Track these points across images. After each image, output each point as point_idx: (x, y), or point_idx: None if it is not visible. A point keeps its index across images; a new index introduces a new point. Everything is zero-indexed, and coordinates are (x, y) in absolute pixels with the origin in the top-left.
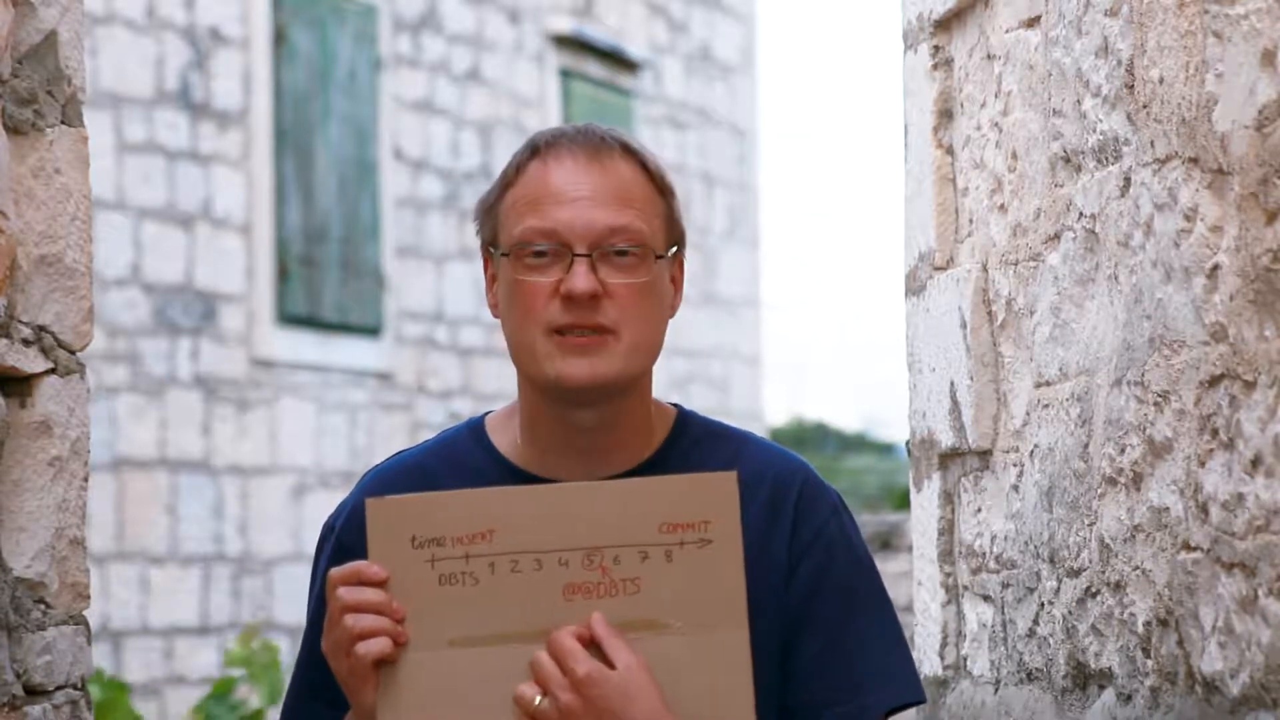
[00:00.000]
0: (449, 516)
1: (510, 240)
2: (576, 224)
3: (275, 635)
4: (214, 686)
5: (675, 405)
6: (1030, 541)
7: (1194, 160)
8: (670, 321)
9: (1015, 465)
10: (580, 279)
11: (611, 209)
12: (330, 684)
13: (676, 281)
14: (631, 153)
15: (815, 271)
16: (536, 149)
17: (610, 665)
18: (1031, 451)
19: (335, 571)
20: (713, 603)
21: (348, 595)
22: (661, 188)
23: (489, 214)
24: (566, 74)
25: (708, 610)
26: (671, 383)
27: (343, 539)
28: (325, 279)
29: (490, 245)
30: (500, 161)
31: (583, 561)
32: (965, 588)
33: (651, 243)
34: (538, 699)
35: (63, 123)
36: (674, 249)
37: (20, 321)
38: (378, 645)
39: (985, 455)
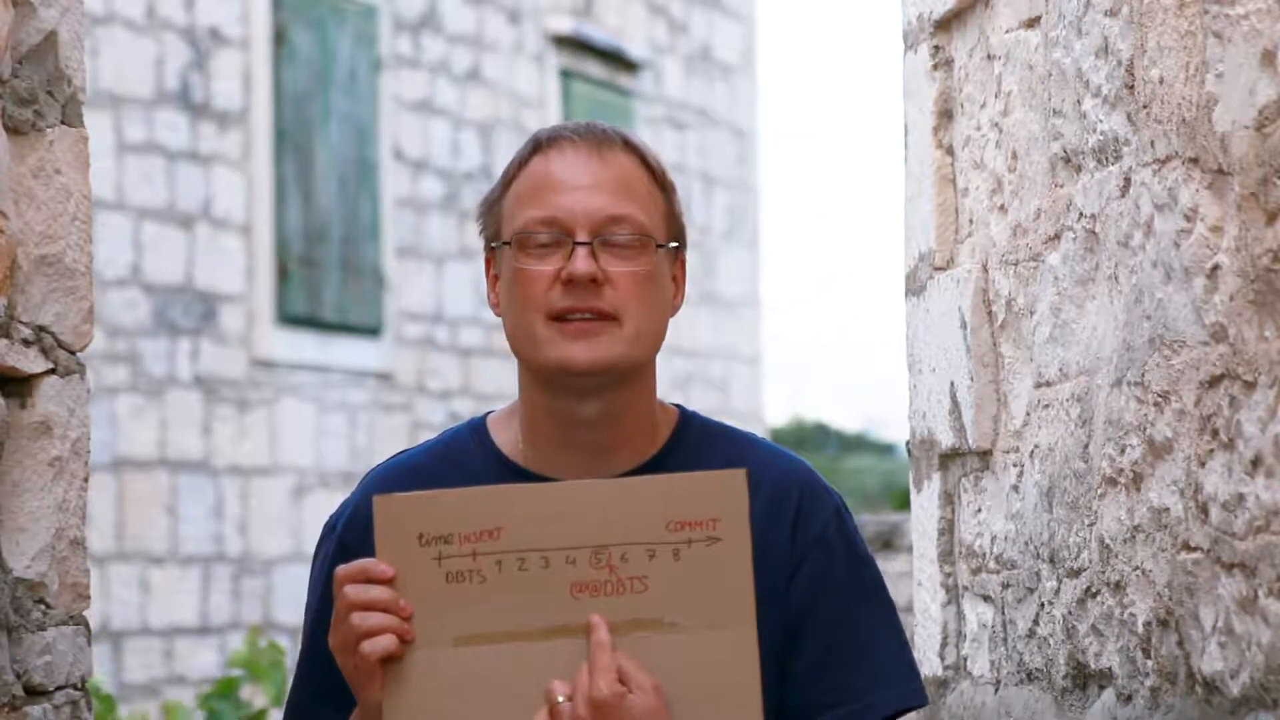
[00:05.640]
0: (456, 514)
1: (512, 230)
2: (577, 210)
3: (275, 635)
4: (217, 684)
5: (678, 406)
6: (1030, 542)
7: (1194, 160)
8: (670, 321)
9: (1015, 465)
10: (581, 262)
11: (612, 198)
12: (333, 683)
13: (678, 281)
14: (632, 147)
15: (815, 271)
16: (539, 144)
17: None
18: (1031, 452)
19: (342, 569)
20: (720, 601)
21: (354, 593)
22: (662, 183)
23: (492, 211)
24: (566, 74)
25: (715, 609)
26: (671, 383)
27: (344, 539)
28: (325, 279)
29: (492, 241)
30: (500, 162)
31: (590, 559)
32: (965, 588)
33: (652, 233)
34: (561, 698)
35: (63, 123)
36: (674, 244)
37: (20, 322)
38: (384, 643)
39: (985, 455)
